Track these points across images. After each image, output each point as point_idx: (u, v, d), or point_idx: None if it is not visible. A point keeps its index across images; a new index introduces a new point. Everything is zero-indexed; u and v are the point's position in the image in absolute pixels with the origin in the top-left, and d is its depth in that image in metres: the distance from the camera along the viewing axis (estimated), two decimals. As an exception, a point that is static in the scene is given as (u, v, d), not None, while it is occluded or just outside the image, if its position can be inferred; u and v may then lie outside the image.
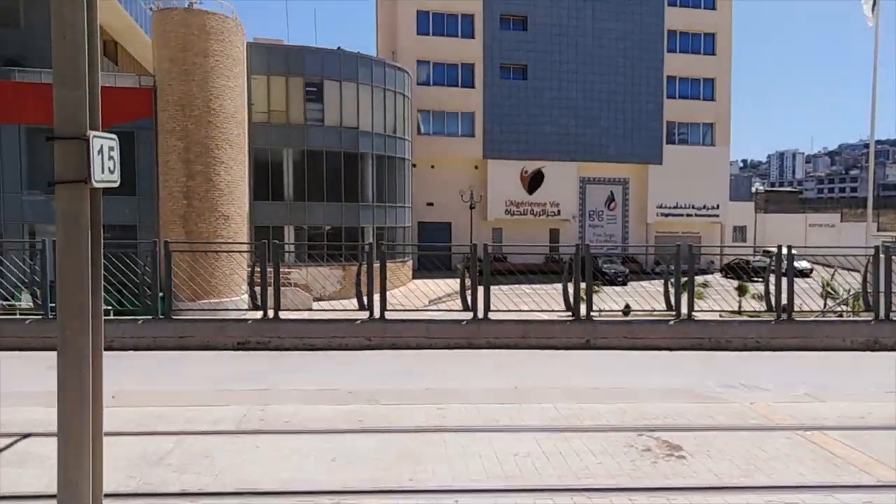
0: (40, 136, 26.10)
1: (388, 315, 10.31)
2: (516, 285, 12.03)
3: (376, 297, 10.35)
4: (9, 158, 26.17)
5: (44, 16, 29.89)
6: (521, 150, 44.70)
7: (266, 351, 9.94)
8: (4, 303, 11.18)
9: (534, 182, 45.43)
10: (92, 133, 3.70)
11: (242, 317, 10.60)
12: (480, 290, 10.34)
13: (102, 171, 3.78)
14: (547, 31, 44.66)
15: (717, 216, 48.88)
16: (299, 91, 31.76)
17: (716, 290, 14.60)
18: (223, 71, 26.54)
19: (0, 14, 29.42)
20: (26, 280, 11.11)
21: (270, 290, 10.22)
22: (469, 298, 10.50)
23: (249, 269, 11.66)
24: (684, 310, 10.51)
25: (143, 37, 36.38)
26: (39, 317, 9.97)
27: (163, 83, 25.97)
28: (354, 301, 10.80)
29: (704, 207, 48.37)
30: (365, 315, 10.39)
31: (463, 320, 10.39)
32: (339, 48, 33.50)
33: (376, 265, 10.64)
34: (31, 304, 11.24)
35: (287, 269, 27.41)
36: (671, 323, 10.46)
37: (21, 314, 11.04)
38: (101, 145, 3.78)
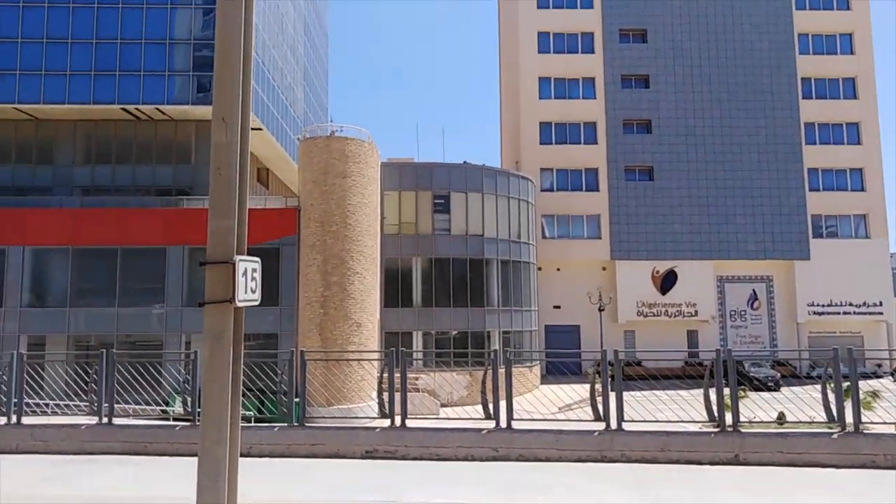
0: (197, 255, 29.22)
1: (515, 424, 10.01)
2: (652, 391, 11.33)
3: (503, 404, 10.15)
4: (174, 275, 29.34)
5: (209, 153, 34.35)
6: (650, 250, 43.52)
7: (393, 460, 9.93)
8: (159, 408, 12.16)
9: (667, 282, 43.67)
10: (238, 257, 4.11)
11: (371, 425, 10.74)
12: (613, 396, 9.84)
13: (245, 292, 4.16)
14: (672, 132, 44.45)
15: (881, 314, 43.91)
16: (428, 203, 33.51)
17: (886, 398, 12.88)
18: (359, 189, 28.69)
19: (177, 152, 34.20)
20: (179, 388, 12.07)
21: (398, 395, 10.34)
22: (601, 407, 10.01)
23: (379, 375, 11.94)
24: (849, 420, 9.32)
25: (290, 163, 40.54)
26: (188, 423, 10.69)
27: (306, 203, 28.43)
28: (481, 408, 10.65)
29: (864, 304, 43.75)
30: (491, 424, 10.16)
31: (595, 431, 9.85)
32: (464, 162, 35.26)
33: (502, 370, 10.51)
34: (182, 410, 12.13)
35: (415, 375, 27.80)
36: (834, 436, 9.28)
37: (174, 419, 11.90)
38: (246, 268, 4.18)
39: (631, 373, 11.30)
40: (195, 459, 10.03)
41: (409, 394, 10.53)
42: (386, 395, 10.52)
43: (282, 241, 28.82)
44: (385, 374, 10.97)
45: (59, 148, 34.11)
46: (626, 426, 9.69)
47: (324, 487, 8.74)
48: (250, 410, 12.54)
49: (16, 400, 10.92)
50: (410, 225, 33.40)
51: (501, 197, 35.37)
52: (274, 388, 11.06)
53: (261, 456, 9.89)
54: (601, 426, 9.82)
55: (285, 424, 10.42)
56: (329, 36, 58.25)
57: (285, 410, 10.62)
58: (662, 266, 43.59)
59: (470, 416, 10.90)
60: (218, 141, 4.35)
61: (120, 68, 32.16)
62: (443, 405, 24.71)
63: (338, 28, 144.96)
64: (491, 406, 10.38)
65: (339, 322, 27.29)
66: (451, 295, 33.25)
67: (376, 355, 21.93)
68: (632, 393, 10.30)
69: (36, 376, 11.60)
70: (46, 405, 13.48)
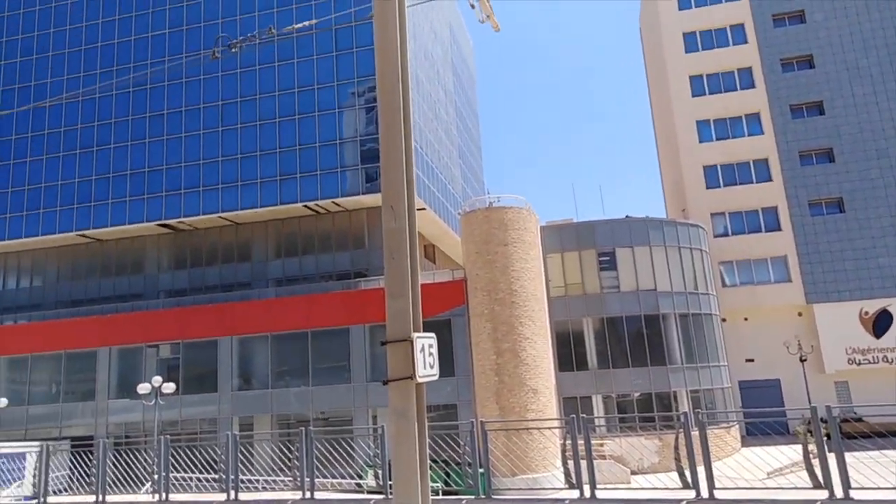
0: (379, 332, 30.93)
1: (718, 493, 9.18)
2: (881, 451, 9.85)
3: (701, 470, 9.39)
4: (357, 352, 31.26)
5: (381, 237, 36.90)
6: (853, 289, 38.69)
7: (585, 533, 9.51)
8: (353, 481, 12.79)
9: (880, 323, 38.32)
10: (415, 335, 4.37)
11: (559, 496, 10.44)
12: (831, 458, 8.70)
13: (424, 367, 4.39)
14: (860, 157, 40.11)
15: None
16: (592, 262, 32.86)
17: None
18: (521, 255, 28.99)
19: (352, 239, 37.16)
20: (370, 461, 12.65)
21: (584, 463, 9.99)
22: (818, 471, 8.89)
23: (562, 442, 11.65)
24: None
25: (454, 237, 42.15)
26: (381, 496, 11.12)
27: (471, 273, 29.23)
28: (676, 475, 9.94)
29: None
30: (691, 494, 9.42)
31: (816, 500, 8.73)
32: (626, 216, 34.34)
33: (695, 433, 9.80)
34: (374, 483, 12.65)
35: (599, 441, 26.61)
36: None
37: (368, 492, 12.43)
38: (423, 344, 4.43)
39: (850, 430, 9.97)
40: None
41: (595, 461, 10.15)
42: (571, 464, 10.22)
43: (452, 312, 29.71)
44: (568, 442, 10.69)
45: (254, 246, 38.55)
46: (854, 494, 8.48)
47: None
48: (437, 482, 12.76)
49: (233, 477, 12.11)
50: (577, 286, 32.84)
51: (671, 248, 33.75)
52: (457, 458, 11.21)
53: (450, 529, 9.98)
54: (823, 494, 8.69)
55: (472, 496, 10.46)
56: (479, 114, 60.95)
57: (471, 482, 10.69)
58: (872, 306, 38.45)
59: (665, 485, 10.21)
60: (388, 227, 4.72)
61: (300, 170, 36.06)
62: (633, 473, 23.32)
63: (486, 101, 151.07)
64: (688, 473, 9.65)
65: (515, 389, 27.17)
66: (629, 354, 31.80)
67: (556, 423, 21.42)
68: (854, 454, 9.03)
69: (247, 454, 12.79)
70: (257, 481, 14.76)
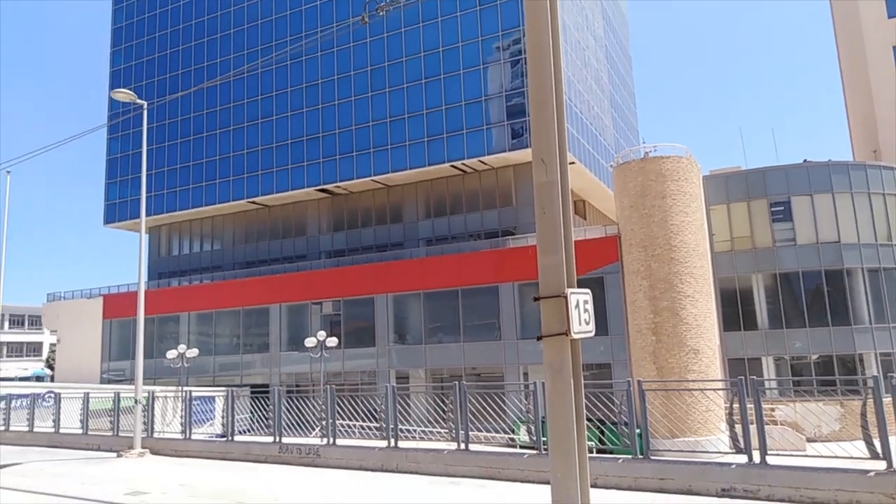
0: (528, 290, 30.80)
1: (917, 468, 8.07)
2: None
3: (893, 440, 8.29)
4: (507, 310, 31.42)
5: (529, 193, 36.50)
6: None
7: (755, 500, 8.82)
8: (505, 436, 12.89)
9: None
10: (569, 290, 4.10)
11: (724, 460, 9.76)
12: None
13: (580, 324, 4.11)
14: None
15: None
16: (764, 213, 30.01)
17: None
18: (681, 208, 27.20)
19: (500, 197, 37.09)
20: (522, 417, 12.65)
21: (753, 428, 9.22)
22: None
23: (727, 406, 10.88)
24: None
25: (605, 191, 40.61)
26: (534, 452, 11.08)
27: (625, 228, 27.99)
28: (863, 445, 8.87)
29: None
30: (881, 465, 8.37)
31: None
32: (804, 160, 30.87)
33: (888, 399, 8.65)
34: (527, 437, 12.65)
35: (770, 406, 24.71)
36: None
37: (520, 447, 12.47)
38: (577, 300, 4.14)
39: None
40: (542, 487, 10.28)
41: (766, 427, 9.32)
42: (738, 428, 9.48)
43: (604, 269, 28.78)
44: (735, 405, 9.92)
45: (405, 207, 39.83)
46: None
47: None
48: (591, 441, 12.49)
49: (392, 426, 12.69)
50: (745, 239, 30.24)
51: (859, 194, 29.84)
52: (613, 418, 10.85)
53: (606, 487, 9.72)
54: None
55: (629, 456, 10.09)
56: (633, 58, 57.53)
57: (627, 442, 10.31)
58: None
59: (849, 454, 9.16)
60: (540, 181, 4.46)
61: (446, 130, 36.41)
62: (809, 440, 21.41)
63: (639, 43, 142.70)
64: (877, 443, 8.57)
65: (674, 349, 25.89)
66: (805, 314, 28.93)
67: (720, 384, 20.13)
68: None
69: (404, 405, 13.33)
70: (413, 431, 15.39)
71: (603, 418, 11.43)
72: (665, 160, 27.75)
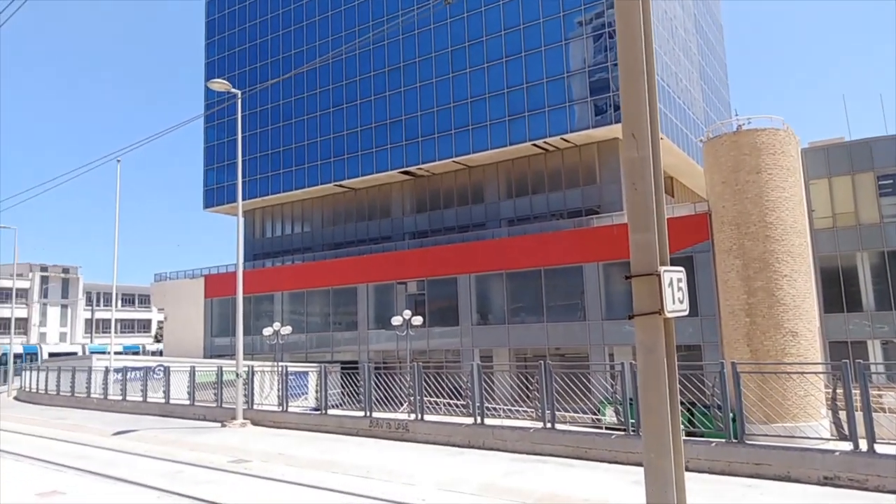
0: (613, 270, 30.20)
1: None
2: None
3: None
4: (591, 290, 30.96)
5: (613, 171, 35.64)
6: None
7: (862, 490, 8.41)
8: (590, 416, 12.81)
9: None
10: (662, 268, 4.06)
11: (826, 447, 9.34)
12: None
13: (673, 302, 4.07)
14: None
15: None
16: (869, 187, 27.99)
17: None
18: (777, 183, 25.81)
19: (583, 175, 36.41)
20: (609, 397, 12.54)
21: (859, 415, 8.77)
22: None
23: (828, 391, 10.38)
24: None
25: (694, 167, 39.05)
26: (622, 432, 10.99)
27: (716, 206, 26.86)
28: None
29: None
30: None
31: None
32: (916, 129, 28.46)
33: None
34: (613, 418, 12.53)
35: (878, 392, 23.25)
36: None
37: (606, 428, 12.37)
38: (671, 278, 4.10)
39: None
40: (631, 468, 10.22)
41: (874, 414, 8.84)
42: (843, 415, 9.04)
43: (694, 248, 27.80)
44: (839, 390, 9.46)
45: (486, 188, 39.82)
46: None
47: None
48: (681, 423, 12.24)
49: (478, 403, 12.90)
50: (849, 215, 28.34)
51: (984, 163, 27.30)
52: (705, 401, 10.59)
53: (698, 471, 9.54)
54: None
55: (723, 440, 9.85)
56: (724, 26, 54.61)
57: (721, 425, 10.04)
58: None
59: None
60: (630, 157, 4.41)
61: (528, 109, 35.99)
62: (920, 430, 20.02)
63: (731, 9, 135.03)
64: None
65: (770, 331, 24.76)
66: (916, 294, 26.92)
67: (821, 367, 19.12)
68: None
69: (489, 383, 13.50)
70: (497, 409, 15.56)
71: (694, 400, 11.17)
72: (760, 133, 26.35)
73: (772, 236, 25.36)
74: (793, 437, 10.57)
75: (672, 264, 4.32)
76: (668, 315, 4.05)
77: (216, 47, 50.54)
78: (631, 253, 4.32)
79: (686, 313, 4.35)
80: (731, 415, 10.02)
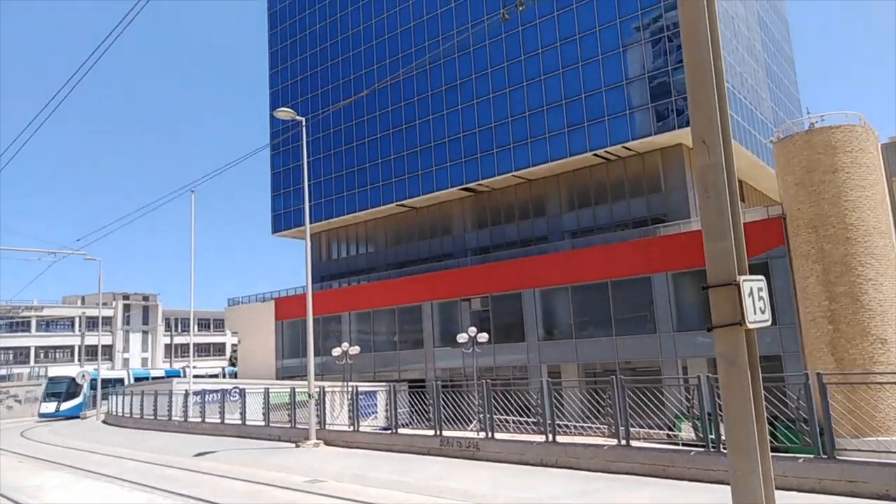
0: (683, 279, 29.28)
1: None
2: None
3: None
4: (661, 302, 30.08)
5: (678, 178, 34.70)
6: None
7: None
8: (665, 432, 12.39)
9: None
10: (741, 278, 3.91)
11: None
12: None
13: (755, 313, 3.91)
14: None
15: None
16: (959, 181, 26.25)
17: None
18: (856, 182, 24.51)
19: (647, 184, 35.62)
20: (685, 412, 12.10)
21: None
22: None
23: (926, 403, 9.69)
24: None
25: (765, 169, 37.60)
26: (701, 448, 10.57)
27: (791, 208, 25.74)
28: None
29: None
30: None
31: None
32: None
33: None
34: (689, 434, 12.07)
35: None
36: None
37: (683, 444, 11.92)
38: (751, 288, 3.94)
39: None
40: (711, 486, 9.79)
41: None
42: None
43: (768, 254, 26.67)
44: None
45: (548, 201, 39.48)
46: None
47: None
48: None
49: (550, 421, 12.70)
50: (938, 213, 26.64)
51: None
52: (788, 414, 10.07)
53: (786, 489, 9.05)
54: None
55: (811, 455, 9.33)
56: (789, 21, 52.65)
57: (808, 440, 9.53)
58: None
59: None
60: (702, 164, 4.30)
61: (587, 118, 35.59)
62: None
63: (797, 3, 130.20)
64: None
65: (856, 339, 23.40)
66: None
67: (916, 377, 17.92)
68: None
69: (558, 399, 13.27)
70: (568, 426, 15.26)
71: (777, 414, 10.64)
72: (835, 130, 25.14)
73: (853, 238, 24.06)
74: (889, 451, 9.91)
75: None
76: (750, 326, 3.90)
77: (279, 77, 52.38)
78: (707, 262, 4.19)
79: (769, 324, 4.17)
80: (817, 428, 9.49)
